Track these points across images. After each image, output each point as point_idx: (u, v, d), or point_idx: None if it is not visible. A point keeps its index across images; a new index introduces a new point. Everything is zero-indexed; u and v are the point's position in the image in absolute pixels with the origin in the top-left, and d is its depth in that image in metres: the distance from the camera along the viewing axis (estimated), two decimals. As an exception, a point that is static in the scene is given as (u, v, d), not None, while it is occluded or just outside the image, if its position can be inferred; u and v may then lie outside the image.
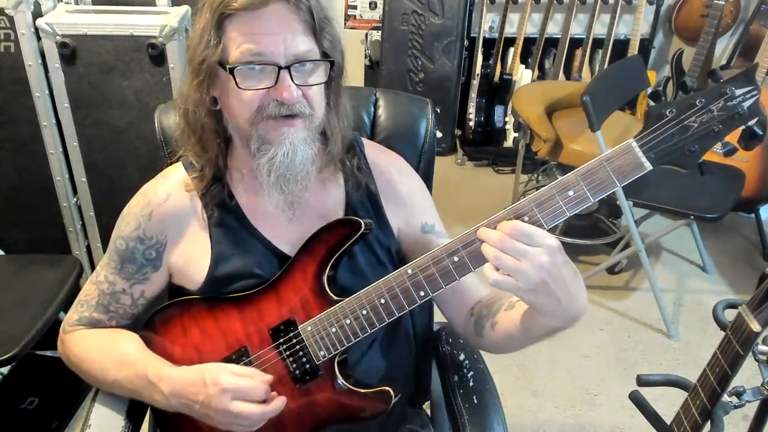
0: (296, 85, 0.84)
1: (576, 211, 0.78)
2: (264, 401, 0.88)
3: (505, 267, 0.75)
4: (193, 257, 0.97)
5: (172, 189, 0.96)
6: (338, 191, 1.00)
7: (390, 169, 1.04)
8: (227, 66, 0.83)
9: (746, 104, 0.73)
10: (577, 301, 0.79)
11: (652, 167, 0.75)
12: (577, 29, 3.38)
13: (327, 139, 0.94)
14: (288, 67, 0.83)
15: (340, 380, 0.92)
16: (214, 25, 0.83)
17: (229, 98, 0.87)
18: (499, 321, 0.93)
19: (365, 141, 1.06)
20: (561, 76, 3.42)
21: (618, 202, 2.22)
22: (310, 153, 0.89)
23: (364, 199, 1.00)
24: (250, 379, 0.88)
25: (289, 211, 0.96)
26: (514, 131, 3.45)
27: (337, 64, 0.90)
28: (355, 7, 3.46)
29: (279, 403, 0.89)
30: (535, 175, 3.10)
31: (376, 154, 1.05)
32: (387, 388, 0.92)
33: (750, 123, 0.76)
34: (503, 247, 0.75)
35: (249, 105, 0.85)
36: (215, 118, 0.91)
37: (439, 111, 3.32)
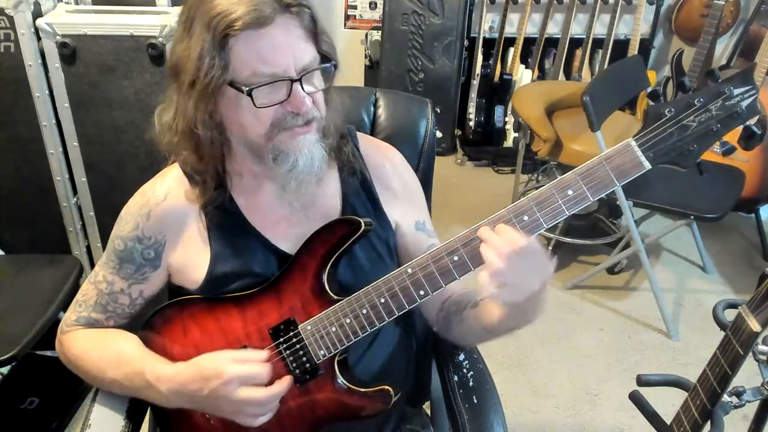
0: (307, 93, 0.84)
1: (575, 210, 0.78)
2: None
3: (504, 281, 0.78)
4: (192, 257, 0.97)
5: (170, 189, 0.96)
6: (334, 183, 1.00)
7: (384, 162, 1.04)
8: (243, 88, 0.82)
9: (744, 104, 0.73)
10: (540, 312, 0.87)
11: (651, 166, 0.75)
12: (577, 29, 3.38)
13: (325, 133, 0.93)
14: (300, 79, 0.83)
15: (340, 379, 0.93)
16: (216, 45, 0.80)
17: (239, 115, 0.86)
18: (465, 318, 0.98)
19: (359, 134, 1.06)
20: (561, 76, 3.42)
21: (618, 202, 2.22)
22: (323, 153, 0.91)
23: (359, 189, 1.00)
24: (252, 364, 0.88)
25: (302, 212, 0.95)
26: (514, 131, 3.45)
27: (337, 62, 0.90)
28: (355, 7, 3.46)
29: (285, 384, 0.89)
30: (535, 175, 3.10)
31: (370, 147, 1.04)
32: (387, 387, 0.93)
33: (748, 122, 0.76)
34: (509, 261, 0.77)
35: (265, 121, 0.85)
36: (216, 131, 0.89)
37: (439, 111, 3.32)
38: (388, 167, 1.04)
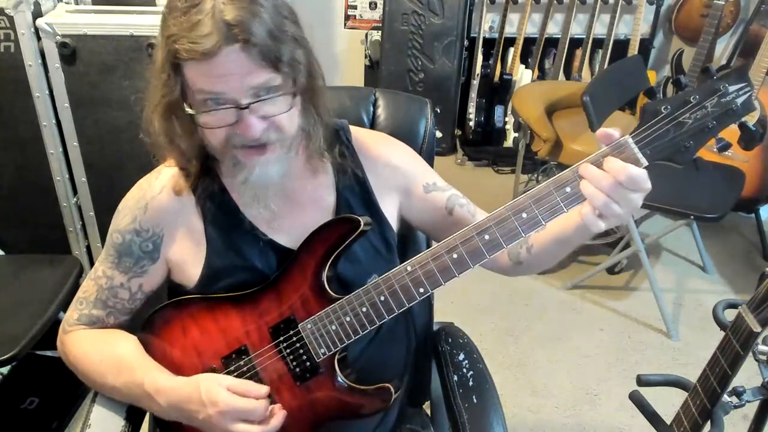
0: (262, 117, 0.83)
1: (573, 207, 0.78)
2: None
3: (610, 214, 0.76)
4: (190, 250, 0.97)
5: (166, 183, 0.97)
6: (328, 177, 1.00)
7: (377, 153, 1.03)
8: (191, 111, 0.83)
9: (739, 100, 0.73)
10: None
11: (648, 163, 0.76)
12: (577, 29, 3.38)
13: (309, 135, 0.93)
14: (248, 107, 0.81)
15: (341, 377, 0.93)
16: (171, 67, 0.82)
17: (198, 126, 0.87)
18: (534, 243, 0.97)
19: (353, 128, 1.05)
20: (561, 76, 3.42)
21: (618, 202, 2.21)
22: (285, 166, 0.90)
23: (353, 184, 1.00)
24: (248, 399, 0.88)
25: (296, 206, 0.96)
26: (514, 131, 3.45)
27: (300, 84, 0.86)
28: (355, 7, 3.46)
29: (278, 419, 0.89)
30: (535, 175, 3.10)
31: (362, 141, 1.04)
32: (387, 385, 0.93)
33: (747, 122, 0.77)
34: (611, 194, 0.75)
35: (217, 137, 0.85)
36: (190, 130, 0.89)
37: (439, 111, 3.32)
38: (382, 154, 1.03)
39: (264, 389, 0.90)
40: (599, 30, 3.36)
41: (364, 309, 0.88)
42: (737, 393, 1.00)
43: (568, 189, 0.77)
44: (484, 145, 3.50)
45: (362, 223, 0.90)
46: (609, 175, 0.75)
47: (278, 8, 0.82)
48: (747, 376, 1.00)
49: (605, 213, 0.76)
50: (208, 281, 0.96)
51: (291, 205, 0.97)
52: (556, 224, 0.89)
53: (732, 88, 0.73)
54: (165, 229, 0.97)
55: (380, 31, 3.27)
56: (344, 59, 3.61)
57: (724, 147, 0.77)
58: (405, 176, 1.03)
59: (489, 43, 3.43)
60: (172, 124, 0.88)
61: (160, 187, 0.97)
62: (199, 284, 0.97)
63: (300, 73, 0.85)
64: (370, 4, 3.44)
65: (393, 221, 1.03)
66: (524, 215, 0.78)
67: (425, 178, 1.04)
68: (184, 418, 0.90)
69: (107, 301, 1.00)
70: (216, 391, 0.87)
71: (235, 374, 0.94)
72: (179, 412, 0.90)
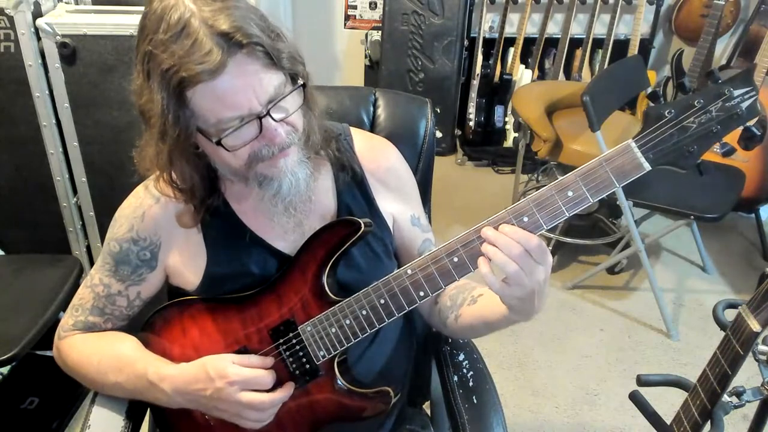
0: (281, 121, 0.82)
1: (575, 212, 0.78)
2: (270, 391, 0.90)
3: (510, 276, 0.78)
4: (188, 258, 0.97)
5: (163, 190, 0.96)
6: (327, 180, 0.99)
7: (379, 157, 1.03)
8: (212, 139, 0.81)
9: (744, 105, 0.73)
10: (543, 304, 0.85)
11: (651, 168, 0.75)
12: (577, 29, 3.38)
13: (308, 135, 0.92)
14: (268, 112, 0.80)
15: (340, 380, 0.93)
16: (175, 100, 0.78)
17: (217, 153, 0.85)
18: (462, 314, 0.97)
19: (354, 130, 1.04)
20: (561, 76, 3.42)
21: (618, 202, 2.22)
22: (308, 170, 0.89)
23: (353, 187, 1.00)
24: (255, 369, 0.89)
25: (298, 230, 0.95)
26: (514, 131, 3.45)
27: (305, 77, 0.86)
28: (355, 7, 3.46)
29: (287, 390, 0.90)
30: (535, 175, 3.10)
31: (364, 143, 1.03)
32: (387, 388, 0.93)
33: (748, 123, 0.76)
34: (511, 255, 0.77)
35: (242, 157, 0.84)
36: (198, 162, 0.88)
37: (439, 111, 3.32)
38: (383, 162, 1.03)
39: (268, 360, 0.91)
40: (599, 30, 3.35)
41: (364, 312, 0.88)
42: (737, 393, 1.00)
43: (570, 193, 0.77)
44: (484, 145, 3.50)
45: (362, 225, 0.90)
46: (508, 238, 0.77)
47: (253, 9, 0.81)
48: (747, 376, 1.00)
49: (506, 275, 0.78)
50: (208, 287, 0.96)
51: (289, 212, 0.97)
52: (485, 306, 0.92)
53: (737, 93, 0.72)
54: (162, 237, 0.96)
55: (380, 31, 3.27)
56: (344, 59, 3.61)
57: (729, 152, 0.77)
58: (400, 193, 1.04)
59: (489, 43, 3.43)
60: (183, 165, 0.86)
61: (157, 196, 0.96)
62: (198, 290, 0.97)
63: (300, 65, 0.85)
64: (370, 4, 3.44)
65: (391, 226, 1.03)
66: (525, 219, 0.78)
67: (414, 209, 1.06)
68: (190, 400, 0.90)
69: (104, 309, 1.00)
70: (223, 364, 0.88)
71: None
72: (184, 396, 0.90)
